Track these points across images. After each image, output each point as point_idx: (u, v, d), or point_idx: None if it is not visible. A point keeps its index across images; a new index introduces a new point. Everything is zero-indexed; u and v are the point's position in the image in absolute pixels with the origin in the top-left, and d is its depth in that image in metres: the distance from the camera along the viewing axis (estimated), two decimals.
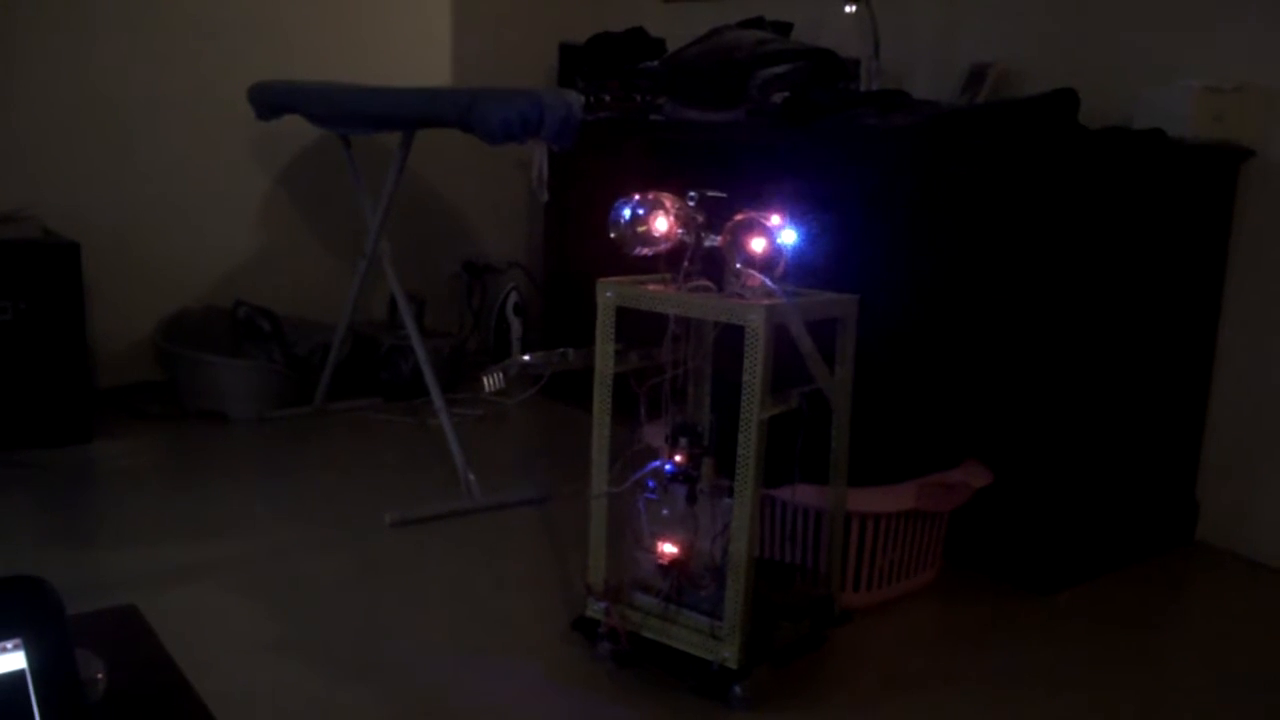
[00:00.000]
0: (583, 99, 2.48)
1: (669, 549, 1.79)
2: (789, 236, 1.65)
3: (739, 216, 1.67)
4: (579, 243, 3.40)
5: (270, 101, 2.88)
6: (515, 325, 3.65)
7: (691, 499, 1.78)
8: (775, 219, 1.65)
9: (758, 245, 1.64)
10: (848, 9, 2.92)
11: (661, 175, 3.05)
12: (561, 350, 1.87)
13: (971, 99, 2.78)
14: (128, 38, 3.17)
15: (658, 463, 1.79)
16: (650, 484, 1.80)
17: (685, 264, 1.73)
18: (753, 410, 1.63)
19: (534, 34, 3.83)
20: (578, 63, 3.50)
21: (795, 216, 1.68)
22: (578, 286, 3.39)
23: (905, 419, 2.28)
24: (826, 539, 1.92)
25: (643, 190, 1.79)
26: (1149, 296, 2.27)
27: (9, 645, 0.57)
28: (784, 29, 3.22)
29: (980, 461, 2.22)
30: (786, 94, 2.81)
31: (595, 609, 1.85)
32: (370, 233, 2.90)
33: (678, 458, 1.78)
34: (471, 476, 2.58)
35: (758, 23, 3.20)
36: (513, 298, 3.66)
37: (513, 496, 2.60)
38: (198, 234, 3.35)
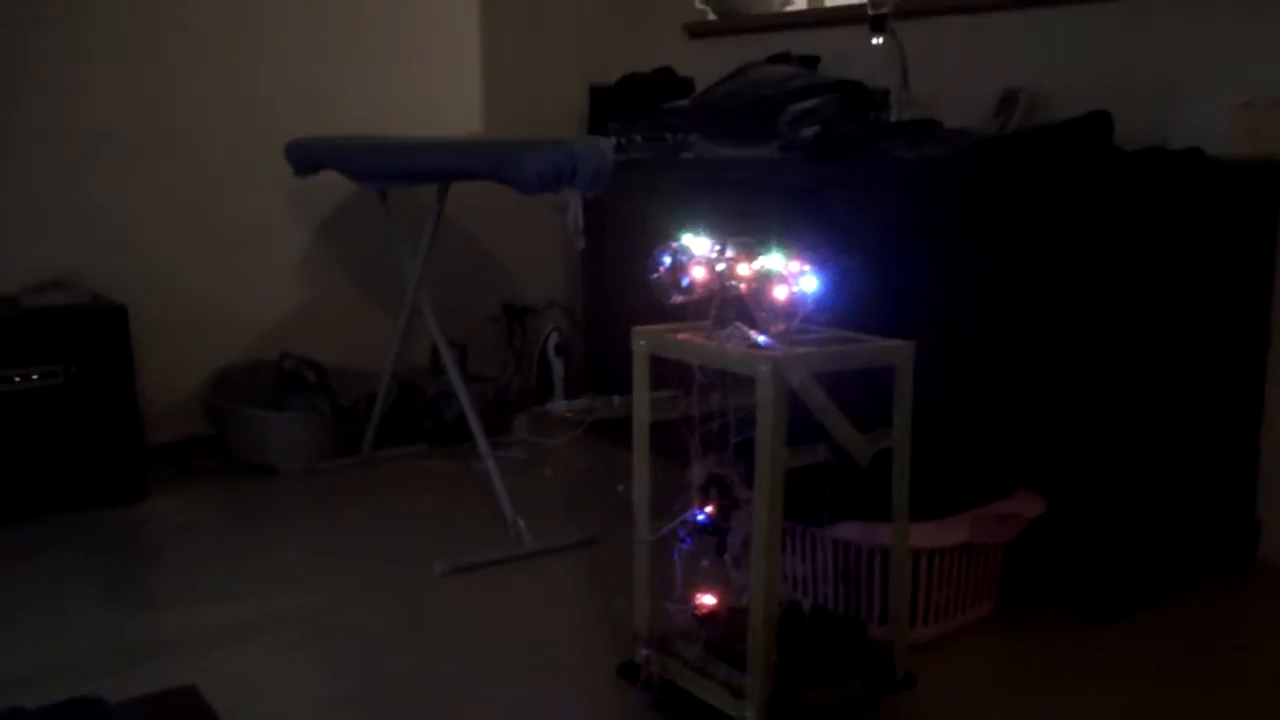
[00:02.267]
0: (614, 144, 2.49)
1: (706, 600, 1.78)
2: (810, 283, 1.62)
3: (758, 265, 1.66)
4: (617, 282, 3.41)
5: (307, 158, 2.93)
6: (557, 366, 3.66)
7: (720, 550, 1.76)
8: (796, 265, 1.63)
9: (779, 293, 1.62)
10: (874, 40, 2.92)
11: (694, 214, 3.07)
12: (606, 397, 1.87)
13: (1004, 125, 2.77)
14: (166, 100, 3.22)
15: (688, 514, 1.77)
16: (682, 534, 1.78)
17: (714, 312, 1.71)
18: (764, 463, 1.60)
19: (563, 77, 3.87)
20: (608, 104, 3.52)
21: (819, 261, 1.66)
22: (618, 326, 3.41)
23: (955, 451, 2.26)
24: (890, 592, 1.86)
25: (675, 232, 1.79)
26: (1196, 316, 2.25)
27: None
28: (811, 63, 3.23)
29: (1033, 490, 2.20)
30: (817, 128, 2.81)
31: (639, 656, 1.84)
32: (410, 282, 2.92)
33: (709, 509, 1.75)
34: (520, 521, 2.59)
35: (785, 58, 3.22)
36: (554, 338, 3.68)
37: (561, 540, 2.61)
38: (241, 290, 3.40)
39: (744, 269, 1.67)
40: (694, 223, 1.71)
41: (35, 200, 3.06)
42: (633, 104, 3.41)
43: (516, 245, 3.92)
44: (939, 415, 2.35)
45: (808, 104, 2.88)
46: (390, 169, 2.69)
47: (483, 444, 2.70)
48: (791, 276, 1.62)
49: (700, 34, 3.74)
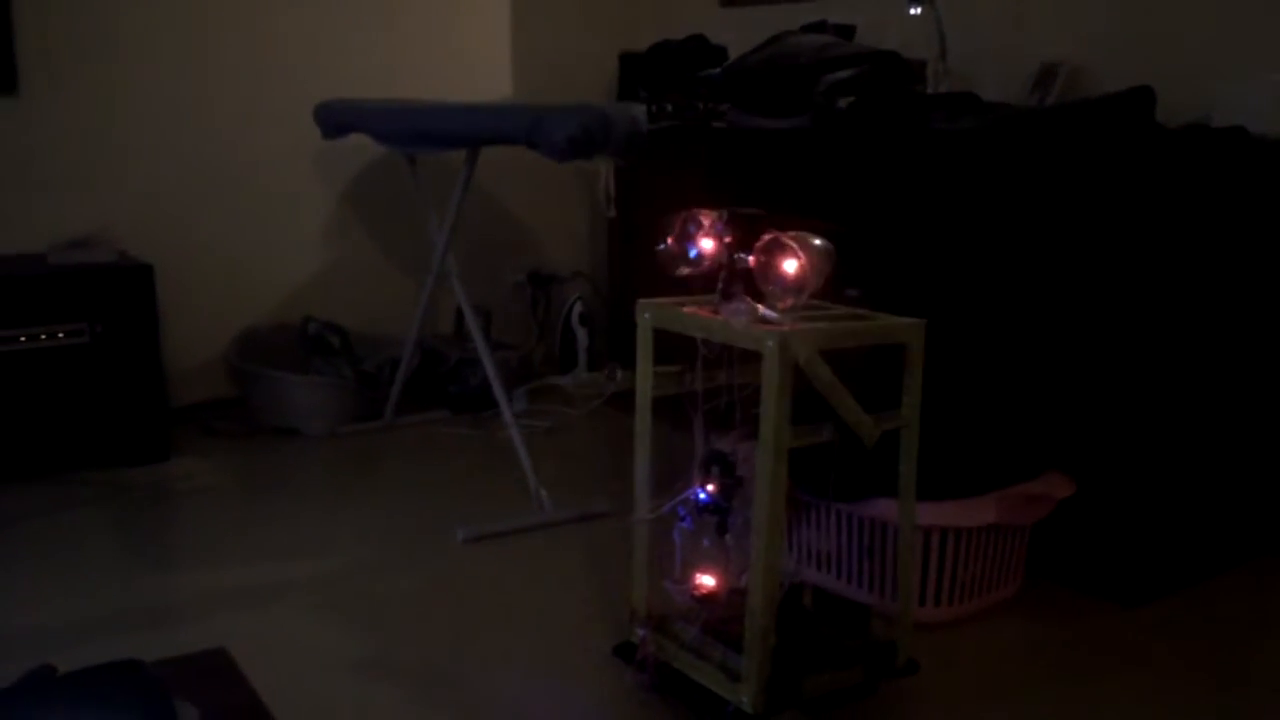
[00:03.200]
0: (646, 111, 2.46)
1: (705, 581, 1.73)
2: (819, 257, 1.57)
3: (766, 236, 1.60)
4: (644, 252, 3.38)
5: (336, 121, 2.90)
6: (581, 335, 3.64)
7: (721, 530, 1.70)
8: (806, 238, 1.57)
9: (788, 267, 1.56)
10: (913, 10, 2.88)
11: (725, 184, 3.04)
12: (612, 371, 1.83)
13: (1042, 99, 2.73)
14: (195, 62, 3.21)
15: (689, 492, 1.71)
16: (682, 513, 1.72)
17: (720, 285, 1.65)
18: (767, 441, 1.54)
19: (594, 44, 3.83)
20: (639, 72, 3.48)
21: (830, 234, 1.60)
22: (643, 295, 3.39)
23: (984, 430, 2.24)
24: (897, 576, 1.83)
25: (704, 202, 1.74)
26: (1234, 298, 2.21)
27: None
28: (847, 32, 3.18)
29: (1062, 471, 2.17)
30: (852, 99, 2.77)
31: (636, 636, 1.81)
32: (437, 248, 2.91)
33: (710, 487, 1.70)
34: (543, 491, 2.58)
35: (820, 27, 3.17)
36: (578, 308, 3.66)
37: (583, 511, 2.59)
38: (267, 252, 3.39)
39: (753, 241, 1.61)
40: (722, 193, 1.67)
41: (64, 158, 3.06)
42: (664, 72, 3.37)
43: (543, 213, 3.89)
44: (969, 392, 2.32)
45: (843, 74, 2.83)
46: (420, 132, 2.66)
47: (506, 412, 2.68)
48: (800, 250, 1.55)
49: (733, 1, 3.69)
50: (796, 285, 1.56)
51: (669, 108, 3.25)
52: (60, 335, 2.73)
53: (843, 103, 2.79)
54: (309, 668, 1.89)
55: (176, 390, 3.20)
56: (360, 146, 3.07)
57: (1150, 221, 2.08)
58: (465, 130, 2.57)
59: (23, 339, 2.69)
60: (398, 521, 2.57)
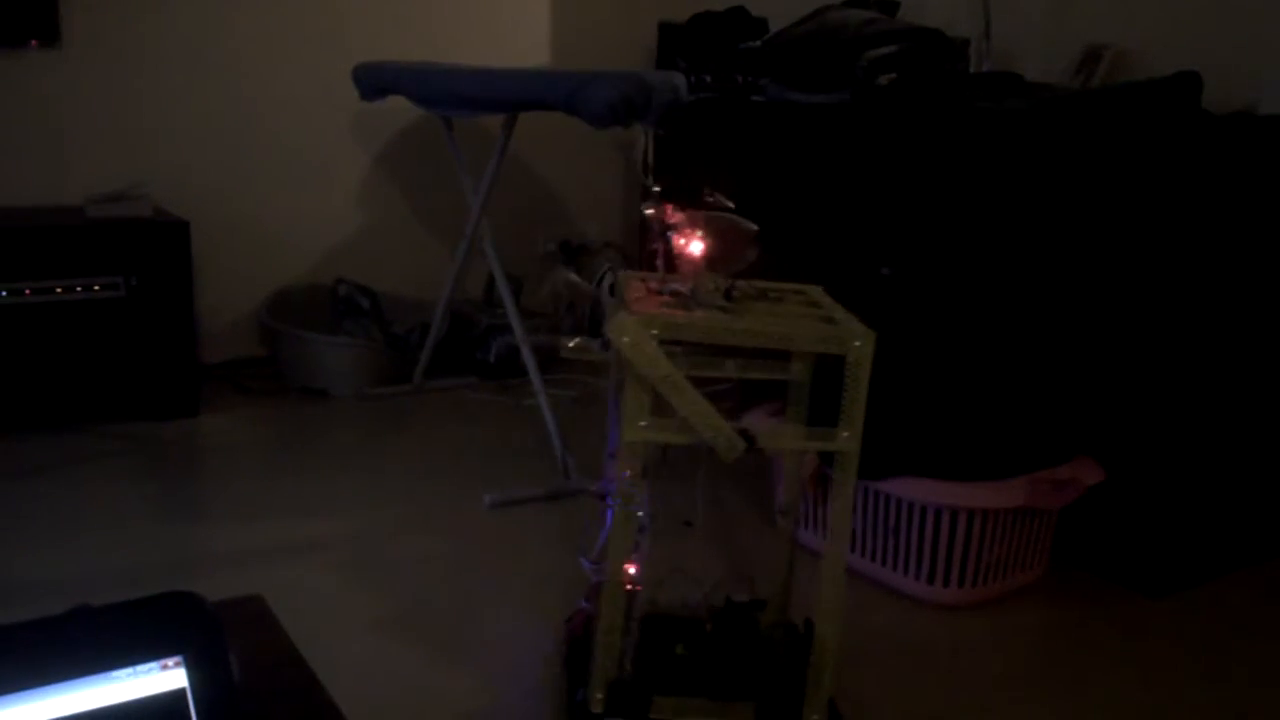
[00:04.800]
0: (686, 81, 2.45)
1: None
2: (728, 237, 1.52)
3: (678, 216, 1.53)
4: None
5: (375, 82, 2.90)
6: (610, 307, 3.63)
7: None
8: (722, 218, 1.52)
9: (694, 248, 1.50)
10: None
11: (762, 158, 3.03)
12: (601, 340, 1.71)
13: (1086, 82, 2.70)
14: (235, 21, 3.21)
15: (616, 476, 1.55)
16: (608, 496, 1.59)
17: (658, 264, 1.57)
18: (623, 433, 1.44)
19: (632, 13, 3.80)
20: (678, 42, 3.46)
21: (746, 209, 1.53)
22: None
23: (1016, 413, 2.23)
24: (818, 615, 1.54)
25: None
26: (1272, 288, 2.18)
27: (170, 663, 0.58)
28: (890, 8, 3.15)
29: (1092, 458, 2.16)
30: (893, 75, 2.75)
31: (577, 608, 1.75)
32: (472, 214, 2.91)
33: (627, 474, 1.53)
34: (570, 458, 2.58)
35: (863, 2, 3.14)
36: (609, 278, 3.65)
37: (588, 484, 2.60)
38: (302, 213, 3.40)
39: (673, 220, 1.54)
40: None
41: (104, 112, 3.07)
42: (704, 43, 3.35)
43: (577, 184, 3.89)
44: (1003, 375, 2.31)
45: (885, 50, 2.81)
46: (459, 96, 2.66)
47: (536, 379, 2.69)
48: (705, 230, 1.49)
49: None
50: (704, 265, 1.49)
51: (708, 79, 3.23)
52: (95, 288, 2.75)
53: (884, 79, 2.77)
54: (330, 624, 1.91)
55: (208, 347, 3.21)
56: (397, 109, 3.06)
57: (1193, 209, 2.06)
58: (505, 94, 2.57)
59: (59, 290, 2.71)
60: (423, 484, 2.58)
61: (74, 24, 2.98)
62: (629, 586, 1.56)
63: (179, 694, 0.57)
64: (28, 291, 2.68)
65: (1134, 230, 2.14)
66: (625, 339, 1.36)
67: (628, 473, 1.46)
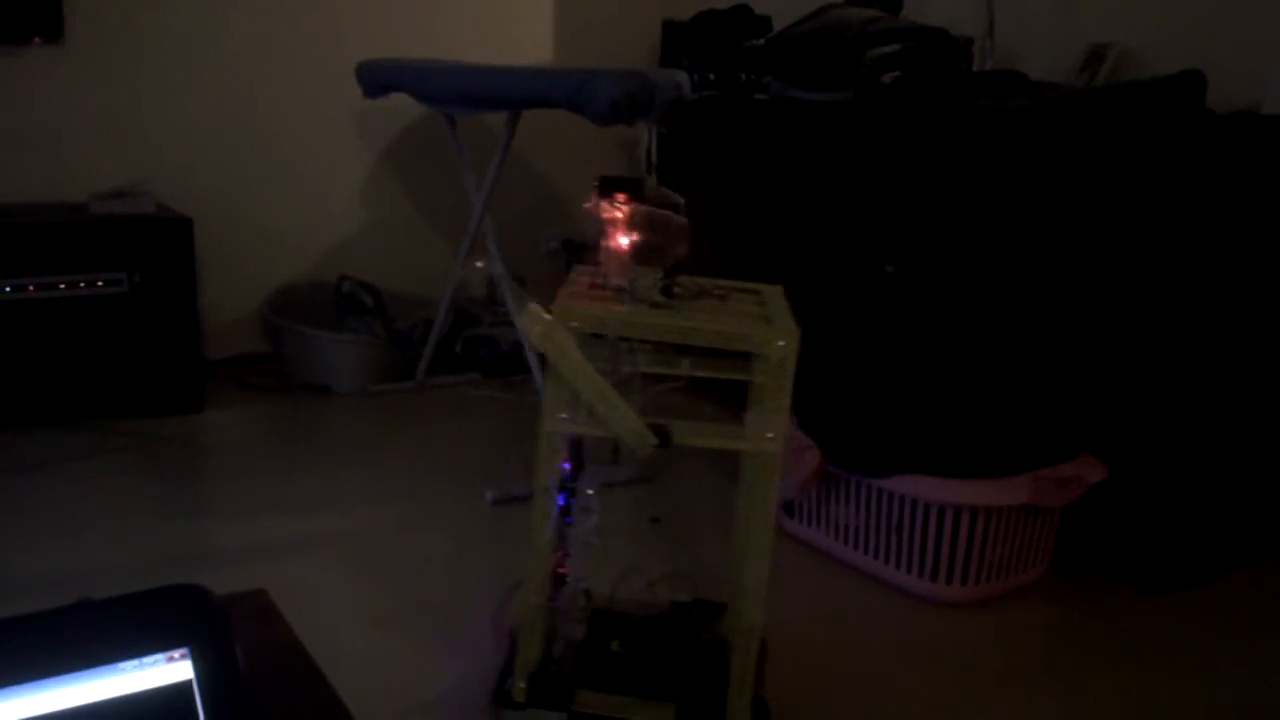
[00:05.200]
0: (690, 79, 2.45)
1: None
2: (667, 227, 1.48)
3: (606, 212, 1.49)
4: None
5: (378, 80, 2.90)
6: None
7: (564, 513, 1.55)
8: (650, 211, 1.48)
9: (620, 241, 1.47)
10: None
11: (766, 156, 3.03)
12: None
13: (1089, 81, 2.70)
14: (238, 18, 3.21)
15: (566, 465, 1.52)
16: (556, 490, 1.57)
17: (593, 258, 1.54)
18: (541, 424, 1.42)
19: (636, 11, 3.81)
20: (681, 40, 3.46)
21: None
22: (679, 262, 3.38)
23: (1019, 410, 2.23)
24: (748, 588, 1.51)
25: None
26: (1274, 286, 2.18)
27: (176, 655, 0.58)
28: (894, 7, 3.15)
29: (1095, 455, 2.16)
30: (897, 74, 2.75)
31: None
32: (474, 211, 2.91)
33: (565, 465, 1.51)
34: None
35: (867, 1, 3.14)
36: None
37: (610, 477, 2.60)
38: (305, 210, 3.40)
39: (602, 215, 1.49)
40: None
41: (108, 108, 3.07)
42: (707, 41, 3.35)
43: (580, 181, 3.88)
44: (1006, 372, 2.31)
45: (888, 49, 2.81)
46: (463, 93, 2.66)
47: (539, 377, 2.69)
48: (637, 225, 1.46)
49: None
50: (623, 260, 1.46)
51: (711, 77, 3.23)
52: (99, 284, 2.75)
53: (887, 78, 2.77)
54: (332, 619, 1.91)
55: (212, 344, 3.22)
56: (400, 107, 3.07)
57: (1196, 207, 2.06)
58: (509, 92, 2.57)
59: (62, 286, 2.71)
60: (426, 481, 2.59)
61: (77, 21, 2.98)
62: (564, 577, 1.58)
63: (184, 686, 0.57)
64: (31, 288, 2.68)
65: (1137, 228, 2.14)
66: (536, 330, 1.35)
67: (545, 466, 1.44)
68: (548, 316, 1.34)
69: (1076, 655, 1.92)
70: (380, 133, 3.49)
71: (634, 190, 1.49)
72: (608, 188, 1.49)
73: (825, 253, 2.84)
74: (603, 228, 1.49)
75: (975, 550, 2.03)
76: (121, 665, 0.57)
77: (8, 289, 2.65)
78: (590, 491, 1.59)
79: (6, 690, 0.53)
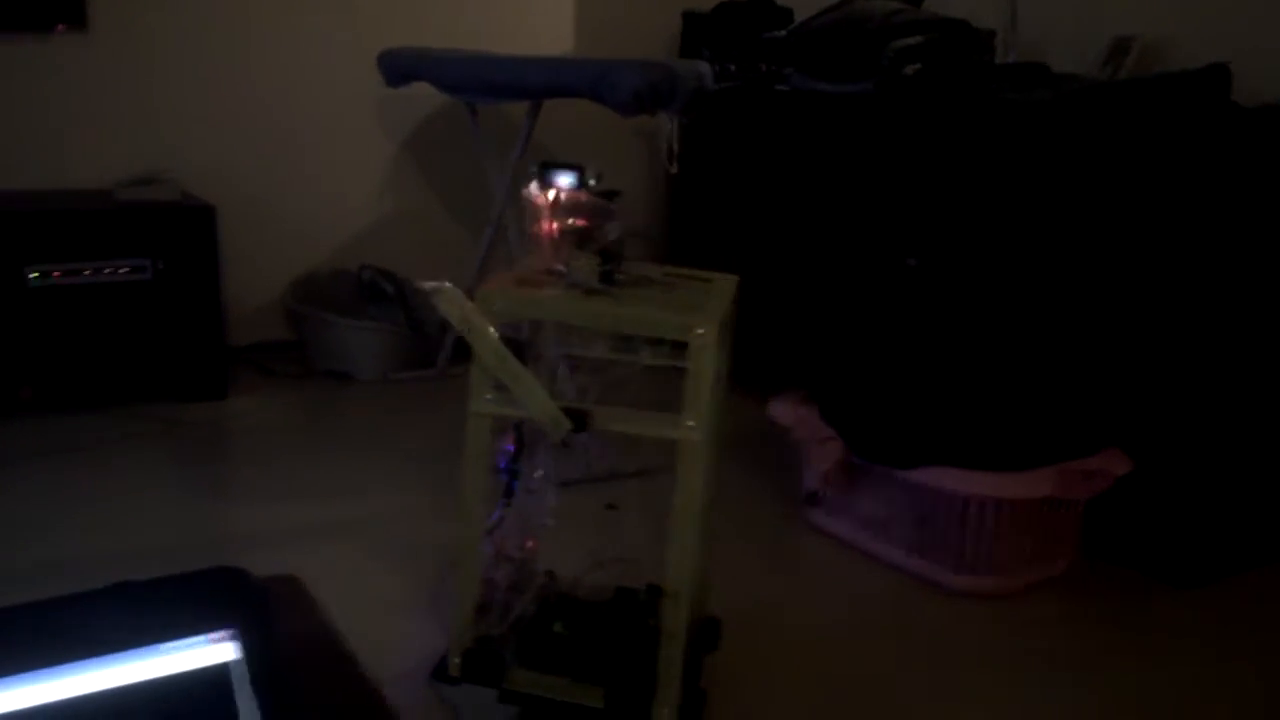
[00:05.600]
0: (712, 70, 2.45)
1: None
2: (594, 212, 1.51)
3: (546, 195, 1.51)
4: (702, 212, 3.38)
5: (400, 68, 2.91)
6: None
7: (507, 493, 1.59)
8: (577, 196, 1.51)
9: (542, 226, 1.50)
10: None
11: (786, 147, 3.03)
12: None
13: (1114, 73, 2.68)
14: (261, 6, 3.22)
15: (510, 447, 1.56)
16: (502, 467, 1.59)
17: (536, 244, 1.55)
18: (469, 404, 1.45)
19: (656, 1, 3.80)
20: (702, 31, 3.46)
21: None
22: (701, 256, 3.38)
23: (1044, 403, 2.22)
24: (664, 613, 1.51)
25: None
26: None
27: (218, 636, 0.58)
28: None
29: (1120, 449, 2.15)
30: (919, 66, 2.74)
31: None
32: (496, 200, 2.91)
33: (509, 447, 1.55)
34: (592, 443, 2.59)
35: None
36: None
37: (628, 466, 2.61)
38: (327, 198, 3.41)
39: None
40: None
41: (131, 95, 3.09)
42: (728, 32, 3.34)
43: (600, 170, 3.88)
44: (1031, 364, 2.30)
45: (910, 41, 2.80)
46: (486, 83, 2.66)
47: (562, 365, 2.69)
48: (554, 208, 1.48)
49: None
50: (557, 243, 1.49)
51: (732, 68, 3.23)
52: (124, 270, 2.77)
53: (909, 70, 2.77)
54: (354, 605, 1.92)
55: (235, 330, 3.23)
56: (421, 96, 3.07)
57: (1222, 201, 2.05)
58: (532, 81, 2.57)
59: (87, 272, 2.73)
60: (446, 468, 2.59)
61: (100, 8, 3.00)
62: (515, 558, 1.60)
63: (224, 667, 0.58)
64: (57, 274, 2.70)
65: (1163, 222, 2.14)
66: (454, 313, 1.35)
67: (471, 446, 1.46)
68: (465, 300, 1.35)
69: (1100, 649, 1.92)
70: (401, 121, 3.50)
71: (577, 176, 1.50)
72: (547, 172, 1.49)
73: (846, 245, 2.84)
74: (535, 213, 1.50)
75: (999, 542, 2.03)
76: (163, 646, 0.58)
77: (34, 275, 2.67)
78: (538, 474, 1.61)
79: (51, 670, 0.54)
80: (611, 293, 1.44)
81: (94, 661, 0.57)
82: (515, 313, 1.39)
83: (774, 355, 3.11)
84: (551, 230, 1.49)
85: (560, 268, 1.47)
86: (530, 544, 1.62)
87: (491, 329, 1.36)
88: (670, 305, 1.43)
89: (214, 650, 0.59)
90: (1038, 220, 2.36)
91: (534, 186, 1.51)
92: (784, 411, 2.33)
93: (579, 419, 1.40)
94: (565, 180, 1.52)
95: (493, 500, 1.58)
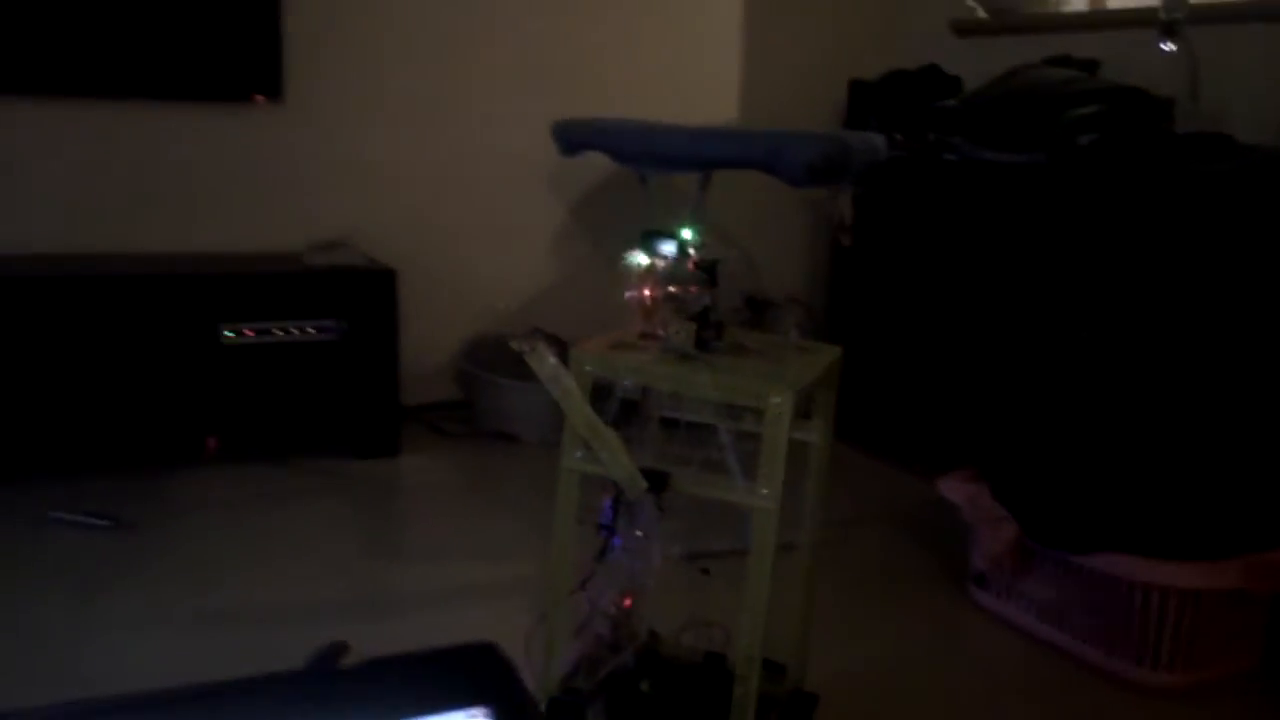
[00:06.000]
0: (886, 141, 2.45)
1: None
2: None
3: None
4: (866, 280, 3.37)
5: (574, 139, 2.97)
6: None
7: (600, 553, 1.60)
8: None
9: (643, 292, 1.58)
10: (1165, 46, 2.78)
11: (954, 217, 3.00)
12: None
13: None
14: (442, 81, 3.36)
15: (609, 504, 1.61)
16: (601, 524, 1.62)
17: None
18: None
19: (822, 70, 3.83)
20: (869, 100, 3.47)
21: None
22: (863, 324, 3.38)
23: (1230, 490, 2.14)
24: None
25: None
26: None
27: (478, 714, 0.61)
28: (1090, 67, 3.09)
29: None
30: (1095, 136, 2.70)
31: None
32: (664, 267, 2.96)
33: (609, 504, 1.58)
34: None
35: (1063, 61, 3.09)
36: (793, 335, 3.65)
37: (796, 537, 2.59)
38: (499, 262, 3.53)
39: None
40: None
41: (320, 163, 3.26)
42: (896, 101, 3.35)
43: (762, 238, 3.92)
44: (1218, 449, 2.22)
45: (1086, 110, 2.76)
46: (658, 154, 2.71)
47: (724, 432, 2.71)
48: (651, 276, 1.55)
49: (968, 32, 3.64)
50: (651, 308, 1.57)
51: (898, 137, 3.23)
52: (310, 331, 2.91)
53: (1084, 139, 2.72)
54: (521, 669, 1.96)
55: (408, 390, 3.35)
56: (590, 163, 3.15)
57: None
58: (705, 153, 2.61)
59: (277, 331, 2.88)
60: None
61: (295, 81, 3.18)
62: (611, 615, 1.62)
63: None
64: (249, 332, 2.85)
65: None
66: (544, 372, 1.41)
67: (562, 506, 1.53)
68: (553, 360, 1.41)
69: None
70: (572, 188, 3.60)
71: (679, 245, 1.62)
72: (649, 240, 1.61)
73: (1016, 317, 2.80)
74: (633, 278, 1.59)
75: (1182, 635, 1.95)
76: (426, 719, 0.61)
77: (228, 333, 2.83)
78: (639, 534, 1.62)
79: None
80: (703, 359, 1.49)
81: None
82: (603, 372, 1.46)
83: (940, 430, 3.07)
84: (650, 296, 1.55)
85: (660, 332, 1.53)
86: (626, 602, 1.63)
87: (576, 388, 1.42)
88: (755, 373, 1.46)
89: None
90: (1221, 294, 2.28)
91: (636, 253, 1.58)
92: (954, 489, 2.29)
93: (658, 480, 1.46)
94: (667, 248, 1.60)
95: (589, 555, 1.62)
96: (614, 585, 1.63)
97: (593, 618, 1.66)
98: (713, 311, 1.56)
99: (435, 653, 0.62)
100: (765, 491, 1.43)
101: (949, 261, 3.04)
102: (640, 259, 1.57)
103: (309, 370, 2.93)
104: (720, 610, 1.92)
